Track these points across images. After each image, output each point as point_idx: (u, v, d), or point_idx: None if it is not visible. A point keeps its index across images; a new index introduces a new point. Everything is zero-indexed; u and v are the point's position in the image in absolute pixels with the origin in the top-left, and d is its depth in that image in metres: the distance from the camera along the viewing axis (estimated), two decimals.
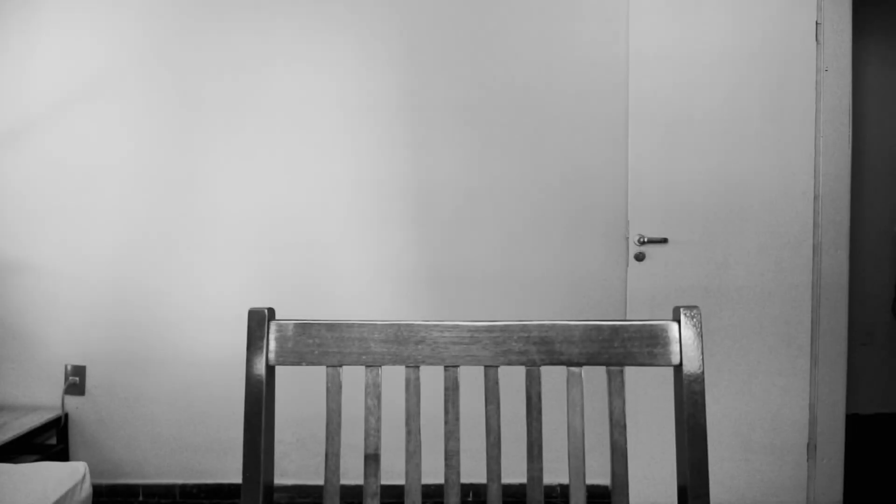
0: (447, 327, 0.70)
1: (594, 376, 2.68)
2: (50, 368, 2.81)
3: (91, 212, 2.80)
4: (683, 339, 0.70)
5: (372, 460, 0.67)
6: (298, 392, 2.77)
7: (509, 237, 2.77)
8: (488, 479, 0.66)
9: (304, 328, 0.72)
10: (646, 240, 2.62)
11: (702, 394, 0.67)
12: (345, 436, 2.75)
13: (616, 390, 0.68)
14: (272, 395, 0.71)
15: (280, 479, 2.81)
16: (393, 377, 2.65)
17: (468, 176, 2.78)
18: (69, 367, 2.80)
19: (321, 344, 0.72)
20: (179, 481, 2.82)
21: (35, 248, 2.81)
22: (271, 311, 0.72)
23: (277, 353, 0.71)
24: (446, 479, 0.68)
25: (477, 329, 0.70)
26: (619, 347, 0.69)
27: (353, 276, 2.77)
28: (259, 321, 0.70)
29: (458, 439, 0.68)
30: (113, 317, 2.81)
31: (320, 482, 2.81)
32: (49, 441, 2.79)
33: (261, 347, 0.70)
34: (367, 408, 0.71)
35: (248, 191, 2.79)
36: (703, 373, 0.67)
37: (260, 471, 0.67)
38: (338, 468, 0.69)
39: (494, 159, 2.77)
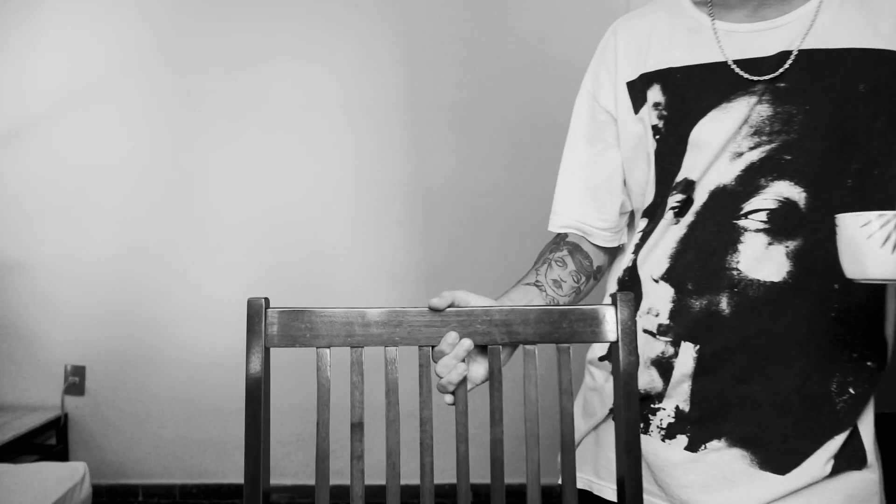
0: (421, 312, 0.87)
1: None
2: (50, 368, 2.98)
3: (91, 212, 2.97)
4: (620, 319, 0.89)
5: (357, 427, 0.84)
6: (300, 396, 2.88)
7: (509, 237, 2.90)
8: (457, 441, 0.82)
9: (296, 315, 0.89)
10: None
11: (636, 365, 0.84)
12: (343, 437, 2.89)
13: (564, 363, 0.85)
14: (268, 374, 0.88)
15: (280, 480, 2.95)
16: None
17: (468, 176, 2.91)
18: (69, 367, 2.97)
19: (311, 328, 0.88)
20: (179, 481, 2.98)
21: (35, 248, 2.97)
22: (267, 301, 0.89)
23: (273, 337, 0.88)
24: (421, 443, 0.84)
25: (447, 314, 0.87)
26: (567, 328, 0.87)
27: (353, 276, 2.92)
28: (257, 309, 0.86)
29: (430, 408, 0.85)
30: (113, 317, 2.97)
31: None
32: (49, 441, 2.95)
33: (259, 332, 0.87)
34: (352, 383, 0.87)
35: (249, 191, 2.95)
36: (636, 347, 0.85)
37: (260, 437, 0.82)
38: (328, 435, 0.84)
39: (494, 159, 2.91)
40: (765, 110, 0.98)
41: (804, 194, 0.96)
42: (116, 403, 2.98)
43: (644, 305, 1.09)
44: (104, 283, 2.97)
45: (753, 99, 0.99)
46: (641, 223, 1.14)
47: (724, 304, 0.99)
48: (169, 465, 2.98)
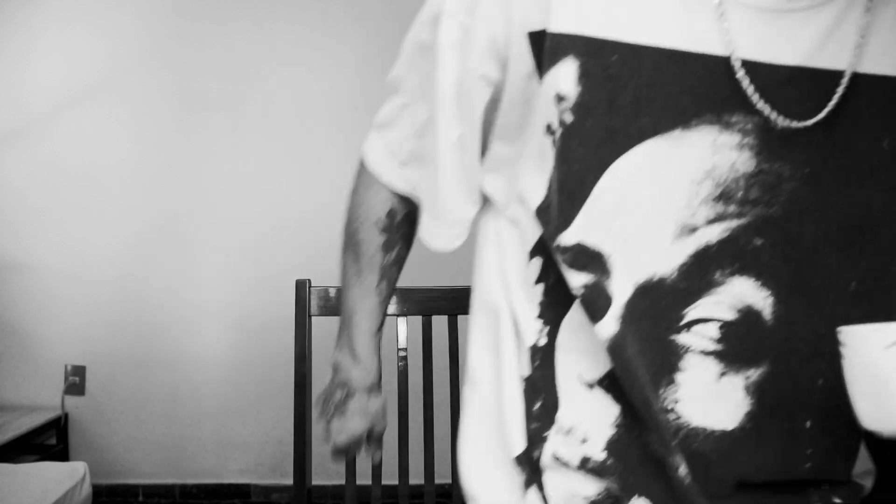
0: (422, 291, 1.42)
1: None
2: (50, 368, 3.37)
3: (92, 211, 3.36)
4: None
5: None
6: None
7: None
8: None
9: (330, 290, 1.37)
10: None
11: None
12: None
13: None
14: (311, 336, 1.36)
15: (281, 480, 3.39)
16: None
17: None
18: (69, 367, 3.37)
19: (337, 303, 1.36)
20: (179, 481, 3.37)
21: (35, 247, 3.37)
22: (309, 281, 1.36)
23: (314, 307, 1.36)
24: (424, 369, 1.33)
25: (443, 293, 1.39)
26: None
27: None
28: (302, 286, 1.35)
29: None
30: (113, 317, 3.36)
31: (322, 482, 3.40)
32: (49, 441, 3.31)
33: (305, 304, 1.35)
34: None
35: (249, 191, 3.36)
36: None
37: (306, 377, 1.30)
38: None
39: None
40: (743, 163, 0.71)
41: (771, 300, 0.74)
42: (116, 403, 3.36)
43: (562, 419, 0.81)
44: (104, 283, 3.35)
45: (731, 138, 0.70)
46: (534, 265, 0.85)
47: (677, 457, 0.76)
48: (169, 465, 3.36)
